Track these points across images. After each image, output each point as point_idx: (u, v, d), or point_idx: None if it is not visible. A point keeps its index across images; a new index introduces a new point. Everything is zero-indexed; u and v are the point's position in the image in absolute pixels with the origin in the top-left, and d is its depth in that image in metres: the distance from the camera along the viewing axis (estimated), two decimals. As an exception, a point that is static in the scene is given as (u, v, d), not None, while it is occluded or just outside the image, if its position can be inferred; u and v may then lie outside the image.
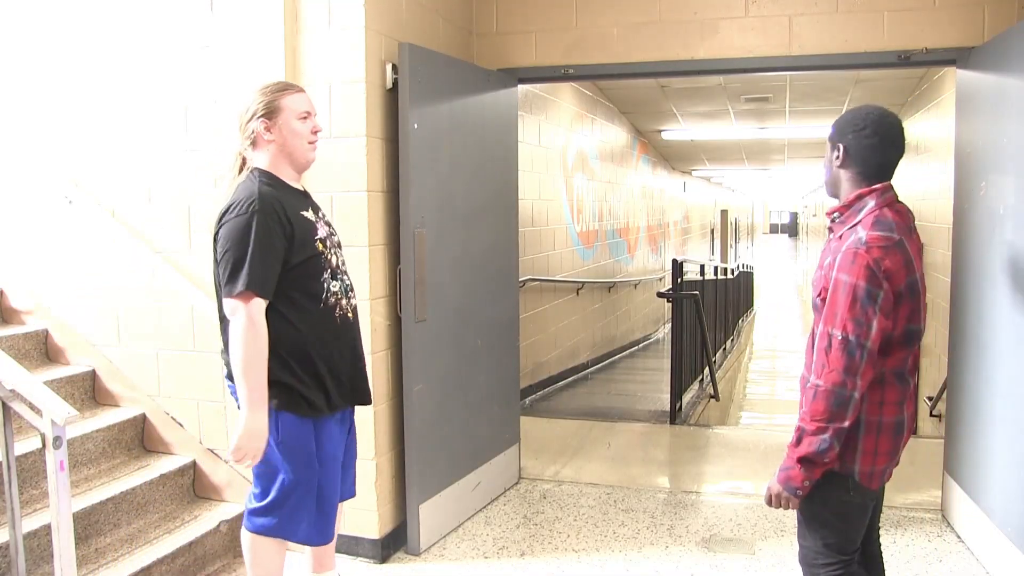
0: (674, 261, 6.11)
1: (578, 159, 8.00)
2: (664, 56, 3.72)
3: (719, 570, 3.14)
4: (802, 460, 1.86)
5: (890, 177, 1.97)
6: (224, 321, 2.24)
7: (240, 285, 2.10)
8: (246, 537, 2.37)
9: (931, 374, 5.57)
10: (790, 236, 50.96)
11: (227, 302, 2.14)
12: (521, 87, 4.06)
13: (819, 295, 1.91)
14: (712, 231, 22.99)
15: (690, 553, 3.28)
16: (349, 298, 2.37)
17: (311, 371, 2.24)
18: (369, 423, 3.12)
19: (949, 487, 3.51)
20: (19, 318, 3.54)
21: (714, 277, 9.99)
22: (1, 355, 2.22)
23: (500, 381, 3.89)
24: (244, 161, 2.33)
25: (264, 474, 2.30)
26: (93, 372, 3.44)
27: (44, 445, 2.15)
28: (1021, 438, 2.78)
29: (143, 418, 3.38)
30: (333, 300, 2.30)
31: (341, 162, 3.05)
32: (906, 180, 6.68)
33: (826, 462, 1.87)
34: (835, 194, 2.02)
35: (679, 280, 6.03)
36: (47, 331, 3.49)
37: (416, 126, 3.12)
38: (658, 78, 6.86)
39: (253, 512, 2.32)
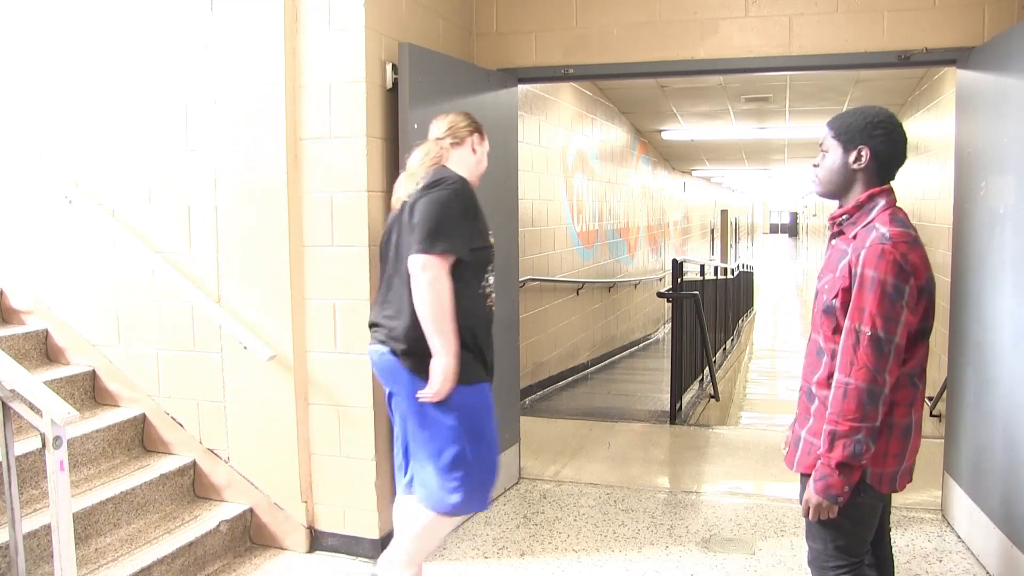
0: (674, 261, 6.11)
1: (578, 159, 8.00)
2: (664, 56, 3.72)
3: (719, 570, 3.14)
4: (840, 466, 1.83)
5: (895, 177, 1.97)
6: (389, 287, 2.50)
7: (439, 247, 2.35)
8: (426, 515, 2.51)
9: (931, 374, 5.53)
10: (790, 236, 50.96)
11: (420, 258, 2.36)
12: (521, 87, 4.05)
13: (835, 296, 1.88)
14: (712, 231, 22.99)
15: (690, 553, 3.28)
16: (493, 295, 2.63)
17: (473, 343, 2.48)
18: (369, 423, 3.12)
19: (949, 487, 3.51)
20: (19, 318, 3.54)
21: (714, 277, 9.99)
22: (1, 355, 2.22)
23: (500, 381, 3.87)
24: (438, 154, 2.61)
25: (441, 451, 2.44)
26: (93, 372, 3.44)
27: (44, 445, 2.15)
28: (1021, 438, 2.78)
29: (143, 418, 3.38)
30: (488, 291, 2.58)
31: (341, 162, 3.05)
32: (906, 180, 6.68)
33: (863, 464, 1.84)
34: (838, 195, 1.98)
35: (679, 280, 6.03)
36: (47, 331, 3.50)
37: (416, 126, 3.11)
38: (658, 78, 6.86)
39: (439, 491, 2.45)
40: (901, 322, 1.81)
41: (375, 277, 3.10)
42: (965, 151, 3.40)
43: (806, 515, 1.93)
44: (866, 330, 1.80)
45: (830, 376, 1.92)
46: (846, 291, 1.85)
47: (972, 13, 3.35)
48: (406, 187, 2.53)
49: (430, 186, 2.45)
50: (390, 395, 2.58)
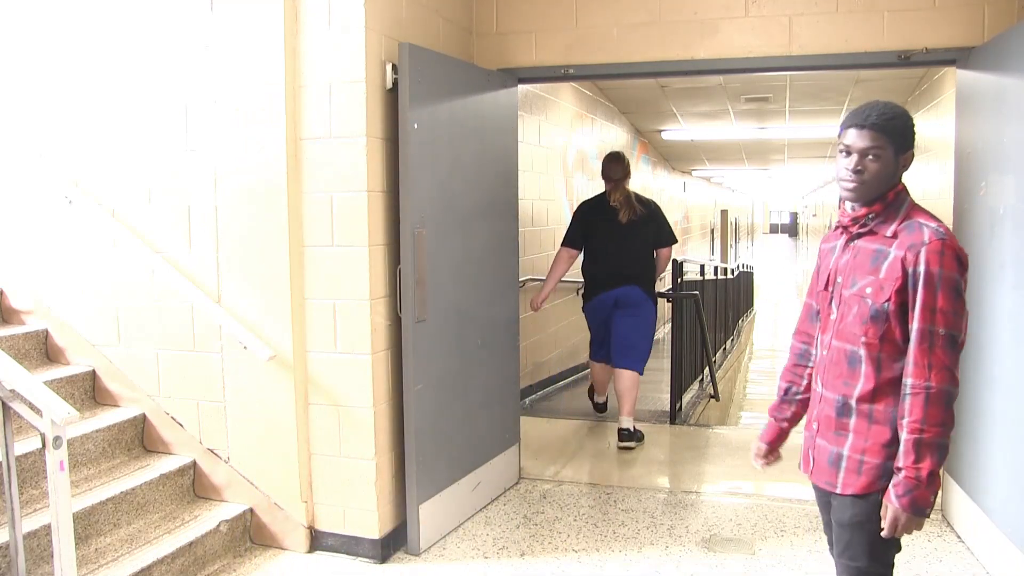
0: (674, 261, 6.10)
1: (578, 159, 8.00)
2: (664, 56, 3.72)
3: (719, 570, 3.14)
4: (930, 475, 1.73)
5: None
6: (642, 255, 4.62)
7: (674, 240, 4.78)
8: (636, 376, 4.70)
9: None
10: (790, 236, 51.00)
11: (669, 249, 4.75)
12: (521, 87, 4.05)
13: (887, 300, 1.79)
14: (712, 231, 22.99)
15: (690, 553, 3.28)
16: None
17: None
18: (369, 423, 3.12)
19: (949, 487, 3.51)
20: (19, 318, 3.55)
21: (714, 277, 9.99)
22: (1, 355, 2.22)
23: (500, 381, 3.89)
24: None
25: (650, 337, 4.74)
26: (93, 372, 3.44)
27: (44, 445, 2.15)
28: (1021, 438, 2.78)
29: (143, 418, 3.39)
30: None
31: (341, 162, 3.05)
32: (906, 180, 6.64)
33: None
34: (870, 200, 1.87)
35: (679, 280, 6.03)
36: (47, 331, 3.50)
37: (416, 126, 3.12)
38: (658, 78, 6.85)
39: (642, 361, 4.70)
40: (965, 317, 1.77)
41: (375, 277, 3.11)
42: (965, 151, 3.40)
43: (893, 533, 1.79)
44: (940, 331, 1.74)
45: (875, 388, 1.84)
46: (900, 292, 1.78)
47: (972, 13, 3.35)
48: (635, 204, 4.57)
49: (647, 201, 4.68)
50: (606, 318, 4.75)
